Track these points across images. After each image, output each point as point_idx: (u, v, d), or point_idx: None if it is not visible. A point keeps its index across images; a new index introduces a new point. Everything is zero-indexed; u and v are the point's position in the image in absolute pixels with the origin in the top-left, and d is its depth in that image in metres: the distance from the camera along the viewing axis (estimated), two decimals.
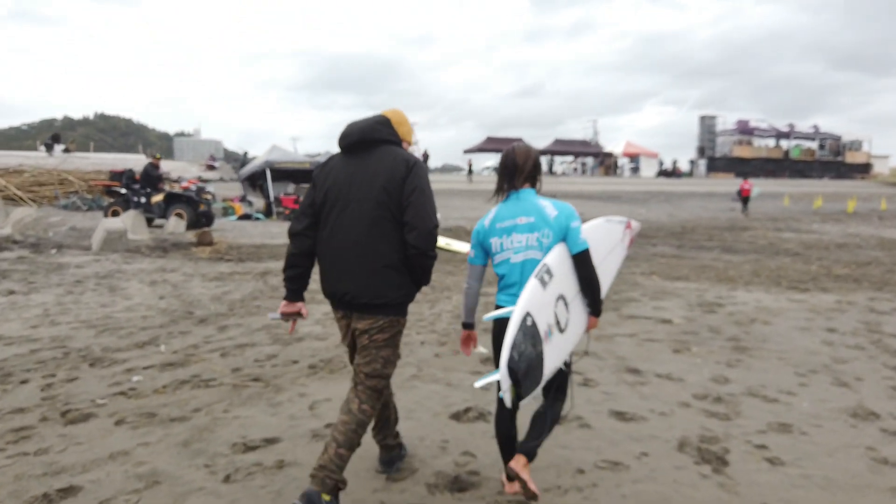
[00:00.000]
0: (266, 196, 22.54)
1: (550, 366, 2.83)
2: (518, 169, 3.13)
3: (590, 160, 70.02)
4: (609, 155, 68.47)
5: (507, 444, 3.21)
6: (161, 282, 8.74)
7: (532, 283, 2.81)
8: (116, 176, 17.72)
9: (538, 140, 72.16)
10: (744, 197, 28.80)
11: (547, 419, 3.04)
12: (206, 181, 27.10)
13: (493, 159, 71.61)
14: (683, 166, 73.85)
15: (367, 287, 3.04)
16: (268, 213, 22.26)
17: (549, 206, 3.06)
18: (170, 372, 5.08)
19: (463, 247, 13.95)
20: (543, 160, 69.96)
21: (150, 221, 16.98)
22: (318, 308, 7.39)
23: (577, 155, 70.43)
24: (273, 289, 8.53)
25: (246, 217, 21.66)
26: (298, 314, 3.30)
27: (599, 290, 3.12)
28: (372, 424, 3.41)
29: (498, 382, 2.69)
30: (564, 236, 3.02)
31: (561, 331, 2.92)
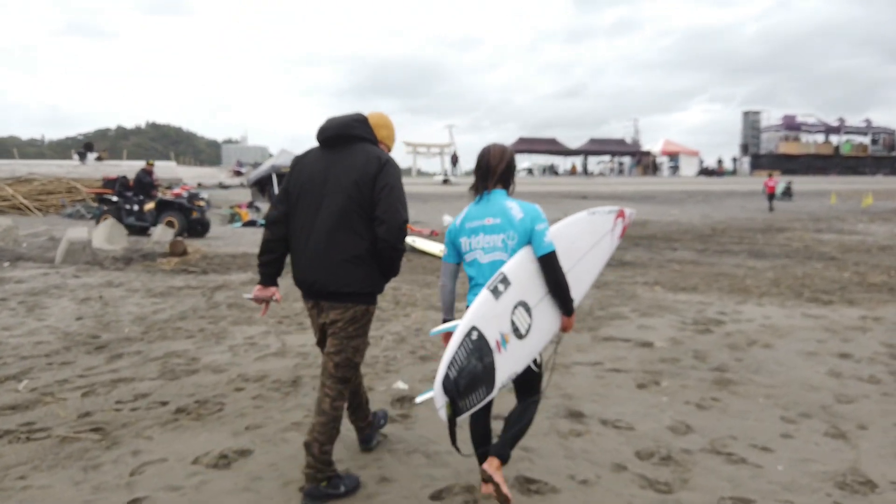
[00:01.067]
0: (272, 201, 21.93)
1: (507, 373, 2.90)
2: (491, 170, 3.14)
3: (627, 160, 68.08)
4: (647, 154, 66.37)
5: (483, 444, 3.25)
6: (95, 299, 8.01)
7: (482, 296, 2.86)
8: (110, 183, 17.25)
9: (576, 141, 70.71)
10: (769, 194, 28.81)
11: (522, 421, 3.12)
12: (202, 187, 26.46)
13: (527, 160, 70.48)
14: (728, 164, 71.33)
15: (335, 276, 3.17)
16: None
17: (515, 208, 3.07)
18: (4, 418, 4.26)
19: (430, 246, 13.06)
20: (577, 160, 68.54)
21: (144, 230, 16.50)
22: (240, 330, 6.55)
23: (613, 154, 68.53)
24: (213, 306, 7.73)
25: (250, 224, 21.08)
26: (271, 298, 3.49)
27: (568, 291, 3.09)
28: (347, 412, 3.62)
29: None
30: (529, 239, 3.03)
31: (521, 337, 2.95)
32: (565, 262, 3.10)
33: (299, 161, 3.39)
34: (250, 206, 22.69)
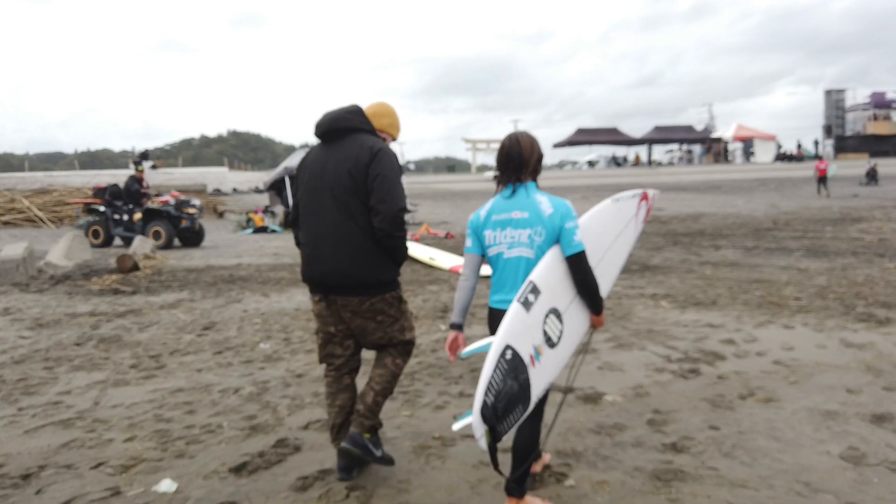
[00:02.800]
0: (286, 205, 20.83)
1: (541, 385, 2.80)
2: (525, 161, 2.97)
3: (697, 147, 64.10)
4: (717, 140, 62.16)
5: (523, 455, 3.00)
6: None
7: (513, 309, 2.72)
8: (100, 192, 16.42)
9: (641, 131, 67.30)
10: (820, 177, 28.01)
11: (529, 443, 2.97)
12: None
13: (591, 153, 67.65)
14: (810, 148, 66.24)
15: (346, 270, 3.19)
16: (286, 224, 20.53)
17: (545, 203, 2.91)
18: None
19: (449, 261, 11.40)
20: (642, 150, 65.21)
21: (129, 241, 15.65)
22: (70, 378, 5.17)
23: (681, 142, 64.64)
24: (81, 341, 6.39)
25: (261, 230, 20.04)
26: None
27: (598, 290, 2.95)
28: (362, 395, 3.39)
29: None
30: (557, 236, 2.87)
31: (553, 346, 2.85)
32: (593, 256, 2.98)
33: (304, 159, 3.44)
34: (266, 210, 21.66)
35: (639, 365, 5.21)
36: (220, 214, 22.96)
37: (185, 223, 15.45)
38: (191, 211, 15.57)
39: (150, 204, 15.65)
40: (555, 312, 2.85)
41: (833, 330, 6.08)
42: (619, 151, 65.77)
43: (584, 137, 61.96)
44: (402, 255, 3.31)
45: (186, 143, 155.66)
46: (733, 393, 4.47)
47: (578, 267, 2.85)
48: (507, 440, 2.80)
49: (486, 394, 2.51)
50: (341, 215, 3.17)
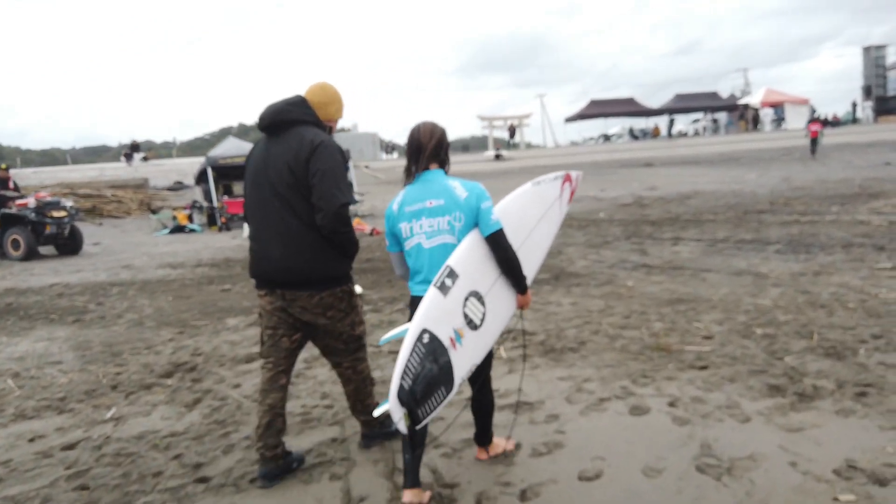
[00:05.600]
0: (208, 200, 18.70)
1: (465, 367, 2.88)
2: (422, 148, 3.07)
3: (723, 116, 59.98)
4: (746, 107, 57.92)
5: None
6: None
7: (430, 294, 2.80)
8: None
9: (657, 99, 63.39)
10: (812, 139, 28.09)
11: (486, 402, 3.28)
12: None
13: (609, 126, 64.27)
14: (848, 110, 61.56)
15: (293, 267, 3.20)
16: (211, 221, 18.40)
17: (458, 187, 3.02)
18: None
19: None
20: (661, 120, 61.42)
21: None
22: None
23: (705, 111, 60.60)
24: None
25: (178, 230, 17.94)
26: None
27: (520, 268, 3.05)
28: (350, 405, 3.62)
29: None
30: (476, 218, 2.97)
31: (476, 328, 2.92)
32: (515, 239, 3.07)
33: (250, 153, 3.46)
34: (194, 206, 19.54)
35: None
36: (154, 211, 20.90)
37: (49, 229, 13.36)
38: (57, 214, 13.47)
39: (6, 209, 13.56)
40: (475, 295, 2.94)
41: (711, 418, 3.66)
42: (639, 123, 62.14)
43: (597, 110, 58.22)
44: (351, 248, 3.30)
45: (225, 132, 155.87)
46: None
47: (498, 245, 2.95)
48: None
49: (402, 378, 2.60)
50: (285, 211, 3.18)
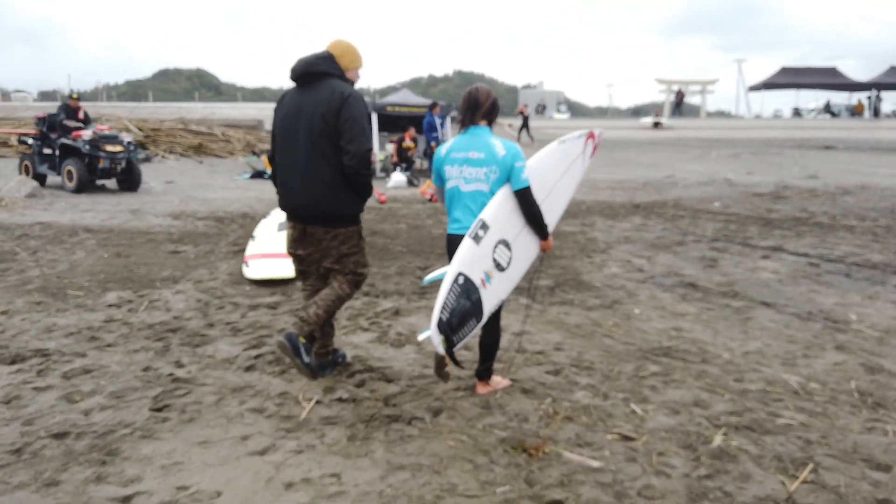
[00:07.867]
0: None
1: (494, 301, 3.49)
2: (479, 105, 3.59)
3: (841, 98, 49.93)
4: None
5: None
6: None
7: (465, 244, 3.34)
8: (40, 122, 14.46)
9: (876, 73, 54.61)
10: None
11: (492, 338, 3.76)
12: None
13: (804, 99, 56.74)
14: None
15: (316, 203, 3.70)
16: None
17: (498, 146, 3.50)
18: None
19: (267, 271, 7.31)
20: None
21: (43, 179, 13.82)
22: None
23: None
24: None
25: (259, 175, 17.39)
26: None
27: (542, 219, 3.57)
28: (313, 311, 3.80)
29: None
30: (509, 174, 3.46)
31: (503, 270, 3.49)
32: (539, 193, 3.56)
33: (280, 101, 3.88)
34: None
35: None
36: (254, 153, 20.63)
37: (102, 163, 13.04)
38: (111, 149, 13.09)
39: (64, 139, 13.38)
40: (503, 243, 3.49)
41: None
42: (840, 98, 54.24)
43: (787, 79, 50.98)
44: (367, 190, 3.79)
45: (415, 82, 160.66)
46: None
47: (525, 199, 3.49)
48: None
49: (441, 311, 3.17)
50: (313, 154, 3.64)
